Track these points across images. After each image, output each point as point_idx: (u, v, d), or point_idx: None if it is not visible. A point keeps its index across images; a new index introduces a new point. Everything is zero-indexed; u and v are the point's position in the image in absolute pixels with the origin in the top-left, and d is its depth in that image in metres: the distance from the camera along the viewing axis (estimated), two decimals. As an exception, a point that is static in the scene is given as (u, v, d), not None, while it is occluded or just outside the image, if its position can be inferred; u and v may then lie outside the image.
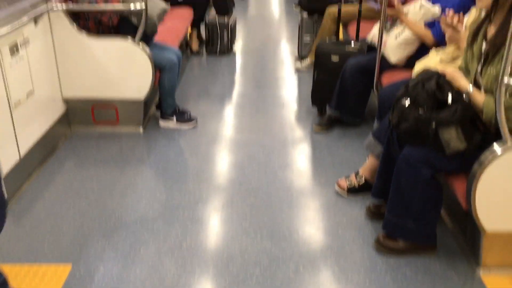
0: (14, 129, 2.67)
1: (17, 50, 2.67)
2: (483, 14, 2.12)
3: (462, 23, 2.32)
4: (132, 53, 3.25)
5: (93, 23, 3.27)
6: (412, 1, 3.27)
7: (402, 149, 2.14)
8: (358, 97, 3.47)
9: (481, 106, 1.92)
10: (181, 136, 3.50)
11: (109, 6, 3.18)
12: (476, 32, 2.07)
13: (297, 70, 4.89)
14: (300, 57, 5.10)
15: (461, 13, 2.34)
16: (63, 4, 3.13)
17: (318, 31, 4.67)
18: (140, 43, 3.23)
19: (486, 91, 1.95)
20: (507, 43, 1.59)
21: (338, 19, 4.34)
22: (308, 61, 4.85)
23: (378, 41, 3.12)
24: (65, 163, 3.10)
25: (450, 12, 2.32)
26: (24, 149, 2.78)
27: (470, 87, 1.97)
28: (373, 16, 4.25)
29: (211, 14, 5.30)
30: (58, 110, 3.32)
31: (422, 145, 2.05)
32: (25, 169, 2.82)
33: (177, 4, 4.94)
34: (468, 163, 1.95)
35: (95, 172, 2.98)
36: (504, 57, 1.61)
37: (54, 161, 3.11)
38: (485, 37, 2.02)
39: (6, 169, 2.57)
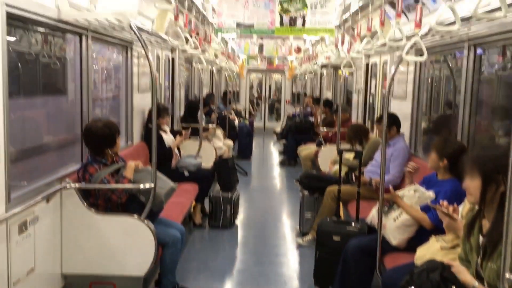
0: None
1: (26, 228, 2.74)
2: (476, 206, 2.22)
3: (457, 212, 2.42)
4: (137, 230, 3.30)
5: (102, 201, 3.40)
6: (407, 185, 3.46)
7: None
8: (361, 278, 3.41)
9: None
10: (179, 317, 3.36)
11: (120, 185, 3.34)
12: (472, 224, 2.14)
13: (299, 246, 4.89)
14: (302, 233, 5.16)
15: (455, 204, 2.45)
16: (76, 183, 3.30)
17: (320, 210, 4.80)
18: (146, 220, 3.31)
19: (489, 286, 1.94)
20: (503, 241, 1.64)
21: (338, 198, 4.51)
22: (309, 237, 4.88)
23: (378, 224, 3.20)
24: None
25: (444, 202, 2.44)
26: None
27: (475, 283, 1.96)
28: (372, 196, 4.43)
29: (215, 189, 5.52)
30: (55, 286, 3.24)
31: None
32: None
33: (183, 179, 5.19)
34: None
35: None
36: (503, 255, 1.64)
37: None
38: (480, 230, 2.08)
39: None
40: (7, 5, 2.51)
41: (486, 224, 2.06)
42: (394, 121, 4.72)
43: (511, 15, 2.44)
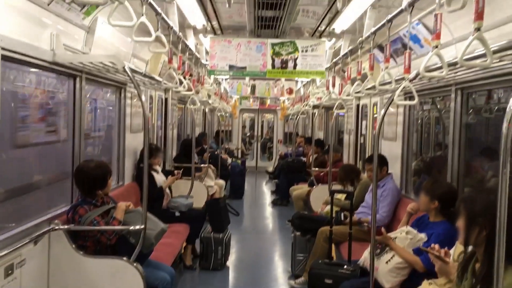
0: None
1: (12, 271, 2.68)
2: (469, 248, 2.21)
3: (449, 256, 2.41)
4: (126, 273, 3.24)
5: (91, 243, 3.35)
6: (399, 227, 3.45)
7: None
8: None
9: None
10: None
11: (110, 227, 3.30)
12: (465, 267, 2.13)
13: (291, 289, 4.81)
14: (294, 275, 5.08)
15: (446, 248, 2.44)
16: (65, 224, 3.26)
17: (312, 251, 4.75)
18: (135, 263, 3.25)
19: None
20: (494, 286, 1.63)
21: (330, 239, 4.47)
22: (302, 279, 4.81)
23: (370, 267, 3.16)
24: None
25: (436, 246, 2.43)
26: None
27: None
28: (364, 238, 4.40)
29: (207, 229, 5.46)
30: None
31: None
32: None
33: (174, 220, 5.14)
34: None
35: None
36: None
37: None
38: (473, 273, 2.07)
39: None
40: (3, 48, 2.55)
41: (479, 267, 2.05)
42: (382, 161, 4.77)
43: (497, 61, 2.52)
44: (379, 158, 5.02)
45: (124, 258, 3.23)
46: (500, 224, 1.59)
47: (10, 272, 2.66)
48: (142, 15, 2.95)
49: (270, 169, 13.07)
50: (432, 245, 2.47)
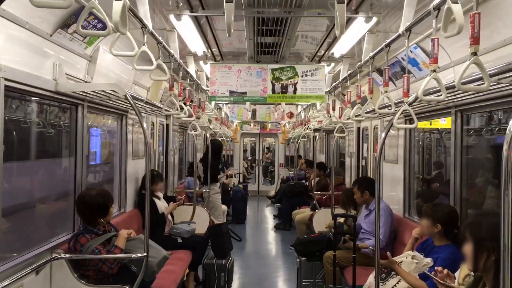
0: None
1: (13, 303, 2.65)
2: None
3: (453, 280, 2.38)
4: (128, 303, 3.21)
5: (93, 272, 3.32)
6: (405, 251, 3.41)
7: None
8: None
9: None
10: None
11: (111, 256, 3.28)
12: (473, 292, 2.11)
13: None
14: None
15: (447, 270, 2.42)
16: (67, 253, 3.24)
17: (325, 279, 4.68)
18: (137, 293, 3.22)
19: None
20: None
21: (334, 264, 4.42)
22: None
23: (375, 292, 3.13)
24: None
25: (439, 268, 2.41)
26: None
27: None
28: (368, 263, 4.35)
29: (209, 256, 5.41)
30: None
31: None
32: None
33: (176, 246, 5.10)
34: None
35: None
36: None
37: None
38: (481, 298, 2.05)
39: None
40: (6, 79, 2.58)
41: (487, 291, 2.03)
42: (369, 184, 4.79)
43: (494, 84, 2.55)
44: (366, 181, 5.06)
45: (127, 287, 3.20)
46: (504, 247, 1.58)
47: (11, 304, 2.63)
48: (144, 44, 3.00)
49: (272, 193, 12.99)
50: (436, 268, 2.45)
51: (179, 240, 5.26)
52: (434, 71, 2.43)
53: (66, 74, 3.30)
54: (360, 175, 6.99)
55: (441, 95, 2.53)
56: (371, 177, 6.12)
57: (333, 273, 4.60)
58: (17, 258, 2.91)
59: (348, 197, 5.53)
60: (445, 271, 2.41)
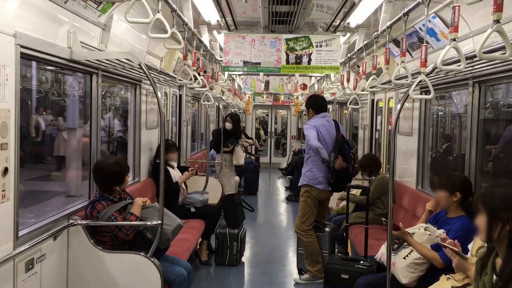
0: None
1: (32, 266, 2.72)
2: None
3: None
4: (143, 268, 3.27)
5: (109, 238, 3.39)
6: (417, 223, 3.42)
7: None
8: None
9: None
10: None
11: (127, 223, 3.33)
12: (485, 262, 2.10)
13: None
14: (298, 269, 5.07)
15: (456, 241, 2.42)
16: (84, 220, 3.30)
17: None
18: (152, 258, 3.28)
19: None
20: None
21: (346, 236, 4.45)
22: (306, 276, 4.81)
23: (387, 262, 3.14)
24: None
25: (449, 240, 2.41)
26: None
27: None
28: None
29: (222, 225, 5.48)
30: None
31: None
32: None
33: (190, 215, 5.17)
34: None
35: None
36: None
37: None
38: (494, 268, 2.05)
39: None
40: (22, 46, 2.59)
41: (499, 262, 2.03)
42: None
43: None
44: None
45: (142, 253, 3.26)
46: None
47: (30, 267, 2.71)
48: (158, 11, 2.97)
49: (284, 165, 13.01)
50: (449, 240, 2.45)
51: (192, 210, 5.33)
52: (454, 40, 2.38)
53: (80, 42, 3.29)
54: (374, 148, 6.96)
55: (460, 65, 2.48)
56: (384, 149, 6.09)
57: (346, 245, 4.65)
58: (35, 223, 2.98)
59: (369, 162, 5.54)
60: (456, 242, 2.41)
